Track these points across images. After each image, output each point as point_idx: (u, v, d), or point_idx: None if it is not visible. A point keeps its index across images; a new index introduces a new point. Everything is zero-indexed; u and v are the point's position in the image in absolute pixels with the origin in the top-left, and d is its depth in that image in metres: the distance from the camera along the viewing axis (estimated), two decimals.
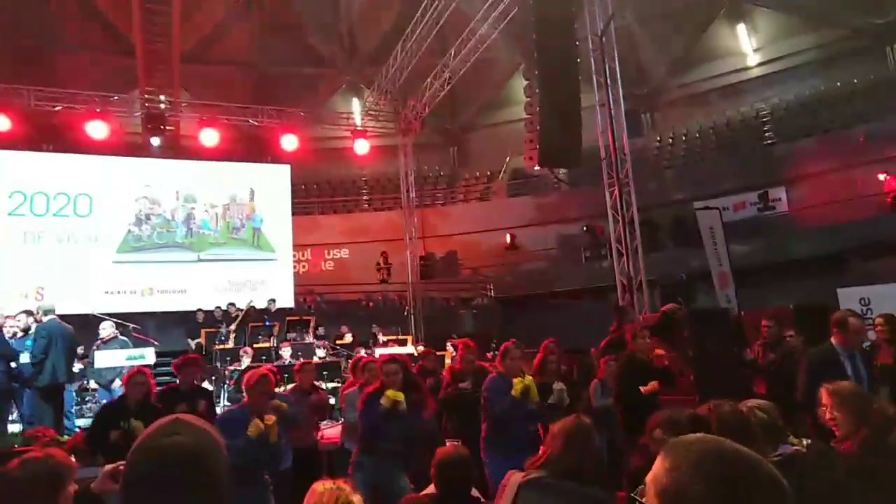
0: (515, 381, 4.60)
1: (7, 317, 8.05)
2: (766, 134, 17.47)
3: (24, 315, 7.59)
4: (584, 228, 16.78)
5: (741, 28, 20.09)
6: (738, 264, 10.71)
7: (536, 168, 12.26)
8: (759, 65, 19.85)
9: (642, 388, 5.06)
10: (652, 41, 20.24)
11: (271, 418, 3.93)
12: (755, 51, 19.97)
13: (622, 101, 10.64)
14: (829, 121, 16.37)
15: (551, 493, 2.37)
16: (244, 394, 4.30)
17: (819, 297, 10.52)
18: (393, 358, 4.58)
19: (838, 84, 17.55)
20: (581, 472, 2.40)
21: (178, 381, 5.51)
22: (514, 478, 2.47)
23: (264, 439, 3.87)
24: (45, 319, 7.47)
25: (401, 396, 4.23)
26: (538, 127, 9.90)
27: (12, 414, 7.58)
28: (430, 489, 3.04)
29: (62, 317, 7.70)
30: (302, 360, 8.30)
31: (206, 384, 8.97)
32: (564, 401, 5.46)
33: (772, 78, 19.43)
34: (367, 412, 4.40)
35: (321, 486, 1.96)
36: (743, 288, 9.90)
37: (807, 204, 14.96)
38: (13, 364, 7.19)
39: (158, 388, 5.23)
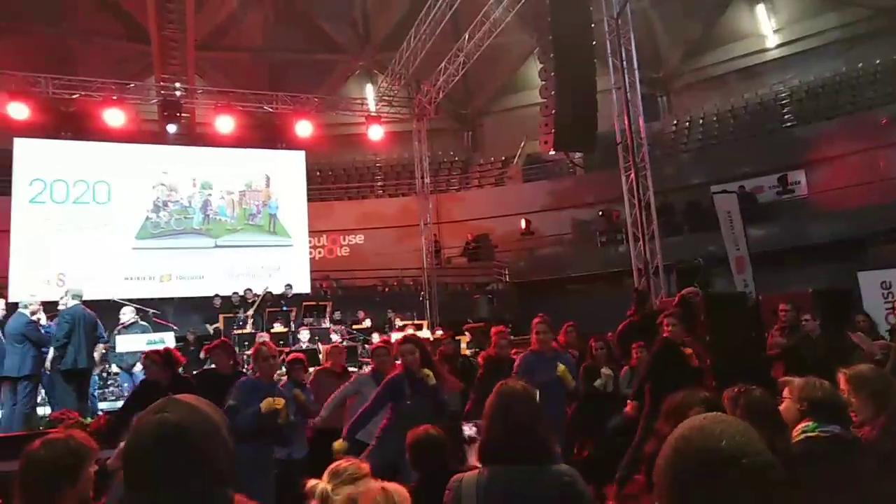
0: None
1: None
2: (786, 116, 17.19)
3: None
4: (600, 213, 16.66)
5: (760, 8, 19.72)
6: (756, 248, 10.61)
7: (552, 152, 12.16)
8: (779, 46, 19.48)
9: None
10: (669, 23, 19.94)
11: (280, 401, 4.07)
12: (775, 32, 19.59)
13: (638, 84, 10.52)
14: (851, 103, 16.07)
15: (510, 491, 2.13)
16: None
17: (839, 281, 10.41)
18: (407, 338, 4.59)
19: (860, 65, 17.18)
20: (517, 451, 2.16)
21: (214, 366, 5.54)
22: (468, 486, 2.18)
23: (273, 416, 4.00)
24: (70, 304, 7.59)
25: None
26: (553, 111, 9.83)
27: (38, 396, 7.74)
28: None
29: (84, 303, 7.83)
30: (336, 342, 8.38)
31: None
32: (608, 387, 5.49)
33: (792, 59, 19.07)
34: (384, 395, 4.39)
35: (373, 487, 1.89)
36: (761, 272, 9.80)
37: (827, 187, 14.73)
38: (44, 350, 7.33)
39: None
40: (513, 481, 2.14)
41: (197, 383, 5.09)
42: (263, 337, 9.82)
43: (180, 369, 5.20)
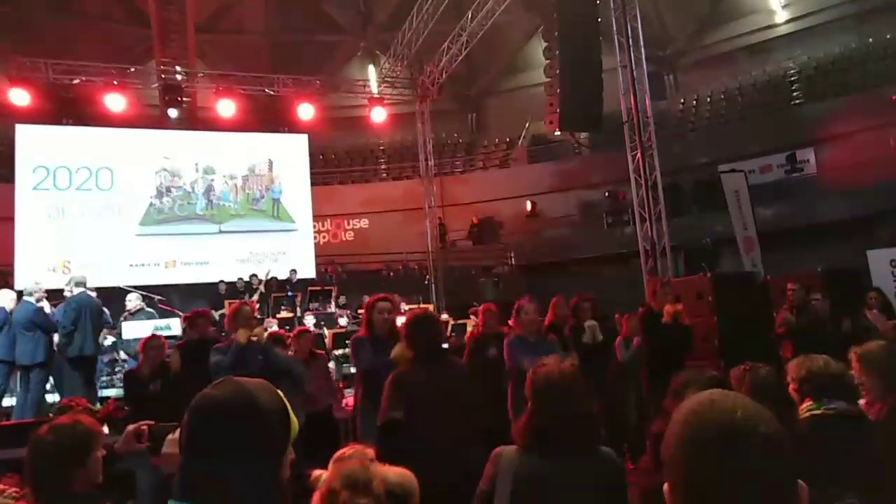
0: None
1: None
2: (794, 94, 16.97)
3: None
4: (606, 194, 16.55)
5: None
6: (765, 228, 10.52)
7: (557, 133, 12.04)
8: (788, 21, 19.18)
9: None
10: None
11: (259, 328, 4.08)
12: (783, 7, 19.28)
13: (644, 62, 10.34)
14: (861, 79, 15.83)
15: (552, 475, 2.10)
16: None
17: (848, 260, 10.33)
18: (386, 297, 4.36)
19: (870, 41, 16.91)
20: (573, 437, 2.12)
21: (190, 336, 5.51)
22: (507, 462, 2.17)
23: (253, 349, 4.01)
24: (75, 291, 7.59)
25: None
26: (558, 90, 9.71)
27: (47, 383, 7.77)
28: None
29: (89, 290, 7.83)
30: (297, 327, 8.16)
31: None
32: (598, 337, 5.45)
33: (801, 35, 18.78)
34: (359, 355, 4.16)
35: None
36: (770, 252, 9.73)
37: (836, 165, 14.58)
38: (54, 336, 7.36)
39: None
40: (550, 470, 2.10)
41: (187, 354, 4.99)
42: (272, 323, 9.86)
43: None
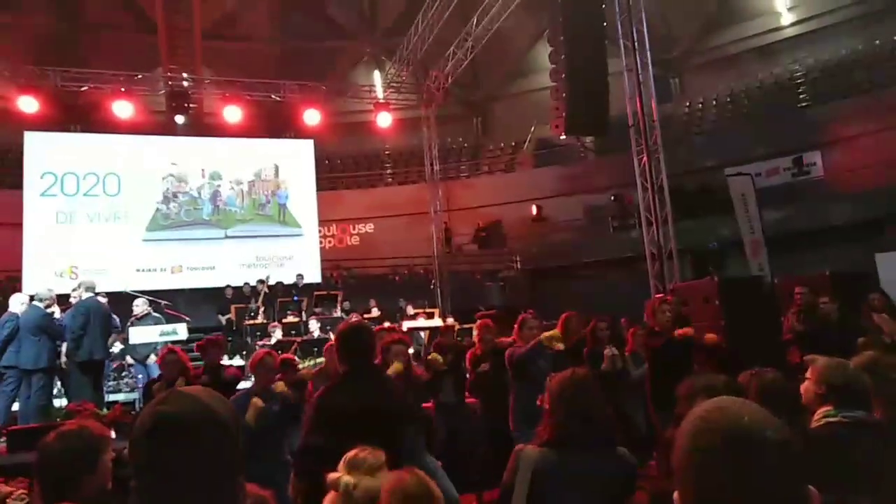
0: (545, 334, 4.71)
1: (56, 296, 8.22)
2: (801, 96, 16.90)
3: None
4: (612, 198, 16.51)
5: None
6: (772, 231, 10.46)
7: (563, 137, 12.01)
8: (794, 24, 19.12)
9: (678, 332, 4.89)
10: (681, 2, 19.60)
11: (280, 384, 4.11)
12: (789, 9, 19.23)
13: (650, 65, 10.32)
14: (868, 81, 15.76)
15: (569, 472, 2.25)
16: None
17: (857, 263, 10.27)
18: (402, 339, 4.52)
19: (877, 42, 16.83)
20: (590, 437, 2.28)
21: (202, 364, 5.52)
22: (526, 458, 2.31)
23: (265, 414, 3.95)
24: (84, 296, 7.62)
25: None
26: (564, 94, 9.69)
27: (55, 388, 7.80)
28: None
29: (96, 294, 7.86)
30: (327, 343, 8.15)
31: (237, 360, 9.18)
32: (617, 366, 5.32)
33: (807, 37, 18.72)
34: None
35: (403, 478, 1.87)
36: (777, 256, 9.67)
37: (843, 168, 14.50)
38: (58, 342, 7.37)
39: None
40: (566, 465, 2.25)
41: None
42: (276, 327, 9.86)
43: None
